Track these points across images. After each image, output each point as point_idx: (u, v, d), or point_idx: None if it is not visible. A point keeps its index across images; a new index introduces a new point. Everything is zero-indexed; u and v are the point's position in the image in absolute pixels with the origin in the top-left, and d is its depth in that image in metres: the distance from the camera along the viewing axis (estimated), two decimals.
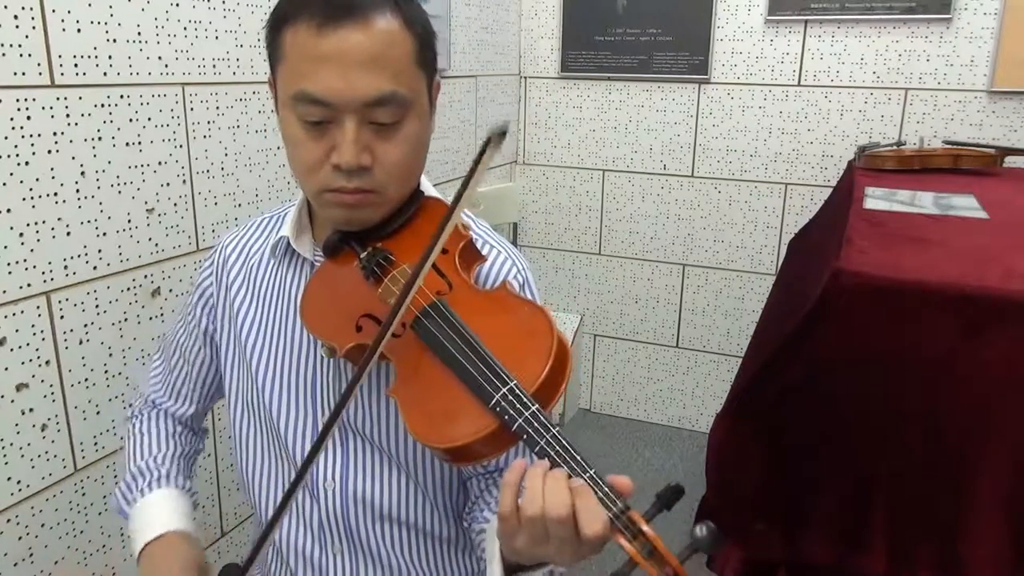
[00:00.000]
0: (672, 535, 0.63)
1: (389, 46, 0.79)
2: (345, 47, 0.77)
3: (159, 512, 0.97)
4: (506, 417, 0.67)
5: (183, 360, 1.08)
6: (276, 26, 0.82)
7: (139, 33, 1.32)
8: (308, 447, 0.95)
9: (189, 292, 1.07)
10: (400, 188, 0.86)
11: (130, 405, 1.14)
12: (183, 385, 1.09)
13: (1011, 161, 2.25)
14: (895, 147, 2.29)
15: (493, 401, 0.67)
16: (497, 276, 0.91)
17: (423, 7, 0.86)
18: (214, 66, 1.48)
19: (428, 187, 0.95)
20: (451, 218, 0.71)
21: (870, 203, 1.70)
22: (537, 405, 0.67)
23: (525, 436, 0.66)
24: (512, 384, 0.67)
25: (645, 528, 0.63)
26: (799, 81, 2.58)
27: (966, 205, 1.70)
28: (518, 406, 0.66)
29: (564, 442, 0.66)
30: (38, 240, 1.21)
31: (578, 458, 0.65)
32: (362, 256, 0.85)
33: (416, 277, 0.72)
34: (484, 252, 0.90)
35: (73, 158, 1.24)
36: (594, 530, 0.63)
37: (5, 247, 1.16)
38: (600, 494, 0.65)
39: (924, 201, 1.74)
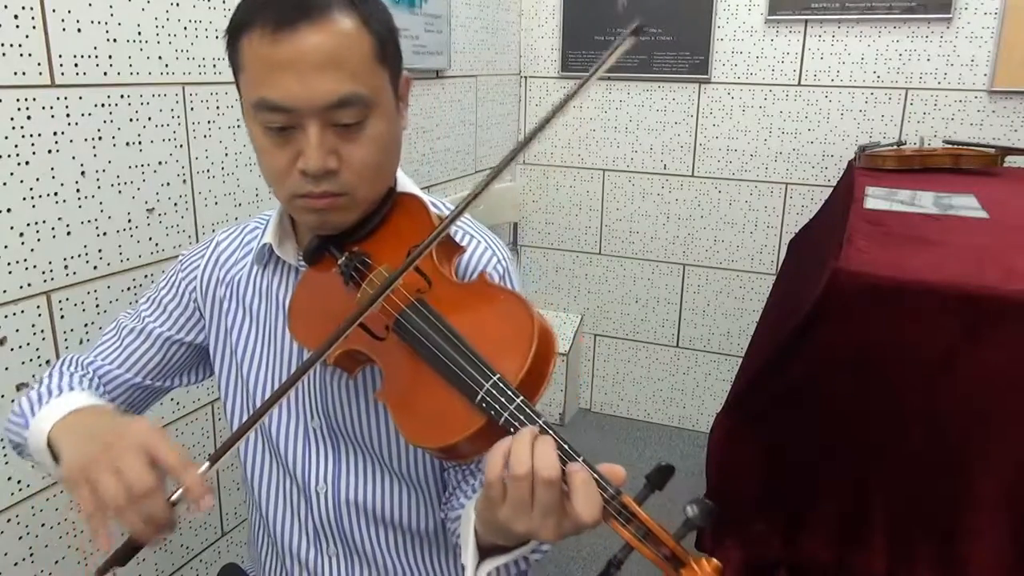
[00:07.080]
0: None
1: (346, 46, 0.77)
2: (301, 51, 0.75)
3: (81, 397, 0.86)
4: (492, 412, 0.67)
5: (141, 336, 1.00)
6: (233, 36, 0.81)
7: (139, 33, 1.32)
8: (299, 451, 0.95)
9: (163, 277, 1.02)
10: (370, 189, 0.84)
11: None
12: (129, 356, 1.00)
13: (1011, 161, 2.25)
14: (895, 147, 2.29)
15: (478, 397, 0.67)
16: (477, 266, 0.91)
17: (386, 4, 0.83)
18: (214, 66, 1.48)
19: (407, 184, 0.93)
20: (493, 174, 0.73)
21: (870, 203, 1.70)
22: (523, 397, 0.67)
23: (513, 429, 0.66)
24: (495, 378, 0.67)
25: (638, 511, 0.64)
26: (799, 81, 2.58)
27: (966, 205, 1.70)
28: (503, 400, 0.66)
29: (551, 432, 0.66)
30: (38, 240, 1.21)
31: (566, 447, 0.65)
32: (340, 262, 0.84)
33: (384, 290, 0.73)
34: (464, 243, 0.89)
35: (73, 158, 1.24)
36: (590, 514, 0.63)
37: (5, 247, 1.16)
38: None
39: (924, 201, 1.74)
